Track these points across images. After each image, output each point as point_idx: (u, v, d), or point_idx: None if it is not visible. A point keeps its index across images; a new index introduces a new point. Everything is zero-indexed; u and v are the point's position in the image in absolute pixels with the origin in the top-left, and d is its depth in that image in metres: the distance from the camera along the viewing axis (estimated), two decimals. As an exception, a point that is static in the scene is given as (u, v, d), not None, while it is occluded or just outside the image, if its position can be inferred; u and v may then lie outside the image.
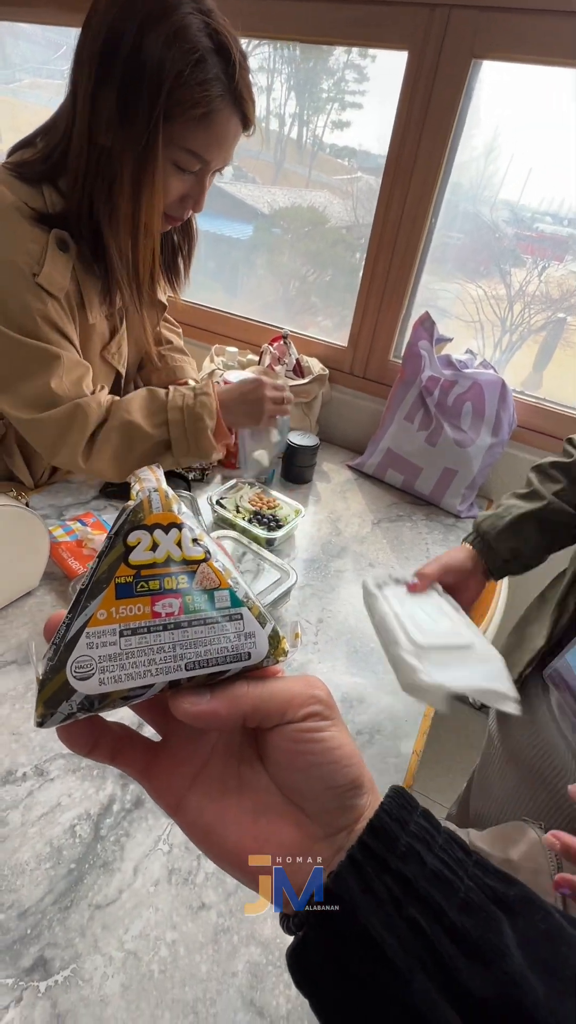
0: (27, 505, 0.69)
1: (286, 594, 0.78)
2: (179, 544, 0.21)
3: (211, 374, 1.21)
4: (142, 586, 0.21)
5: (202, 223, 0.85)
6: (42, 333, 0.67)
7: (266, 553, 0.83)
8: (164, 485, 0.22)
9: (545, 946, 0.18)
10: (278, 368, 1.20)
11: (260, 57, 1.28)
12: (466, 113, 1.03)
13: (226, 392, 0.78)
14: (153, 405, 0.75)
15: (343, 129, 1.35)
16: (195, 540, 0.22)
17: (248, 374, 1.06)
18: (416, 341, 1.09)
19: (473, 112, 1.03)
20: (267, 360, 1.21)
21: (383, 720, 0.66)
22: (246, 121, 0.65)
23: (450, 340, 1.14)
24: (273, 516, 0.94)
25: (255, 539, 0.87)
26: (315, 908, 0.20)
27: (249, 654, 0.22)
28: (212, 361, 1.27)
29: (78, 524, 0.85)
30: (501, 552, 0.70)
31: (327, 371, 1.25)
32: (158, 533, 0.21)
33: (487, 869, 0.20)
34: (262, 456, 0.95)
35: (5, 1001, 0.40)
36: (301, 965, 0.20)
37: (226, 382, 1.03)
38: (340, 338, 1.31)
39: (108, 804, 0.53)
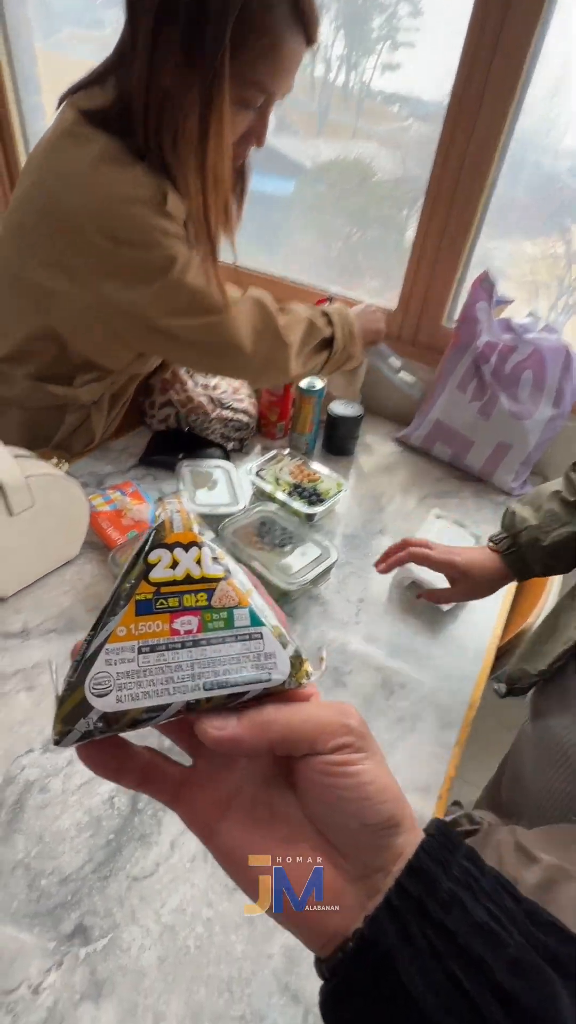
0: (67, 473, 0.69)
1: (326, 572, 0.75)
2: (199, 562, 0.21)
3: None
4: (161, 603, 0.20)
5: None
6: (183, 252, 0.67)
7: (307, 529, 0.80)
8: (186, 508, 0.22)
9: None
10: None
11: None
12: (542, 45, 0.91)
13: (355, 309, 0.93)
14: (312, 309, 0.86)
15: (394, 71, 1.23)
16: (215, 559, 0.21)
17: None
18: (473, 303, 1.01)
19: (544, 46, 0.91)
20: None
21: (425, 708, 0.64)
22: (310, 39, 0.61)
23: (511, 301, 1.05)
24: (314, 490, 0.90)
25: (295, 514, 0.84)
26: (349, 954, 0.18)
27: (269, 675, 0.21)
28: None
29: (117, 494, 0.84)
30: (534, 568, 0.65)
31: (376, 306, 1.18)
32: (178, 551, 0.21)
33: (539, 920, 0.18)
34: (403, 376, 1.08)
35: (47, 964, 0.41)
36: (333, 1013, 0.19)
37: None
38: (388, 300, 1.23)
39: (146, 777, 0.53)
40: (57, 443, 0.89)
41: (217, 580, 0.21)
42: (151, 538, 0.21)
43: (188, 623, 0.20)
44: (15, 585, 0.68)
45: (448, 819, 0.73)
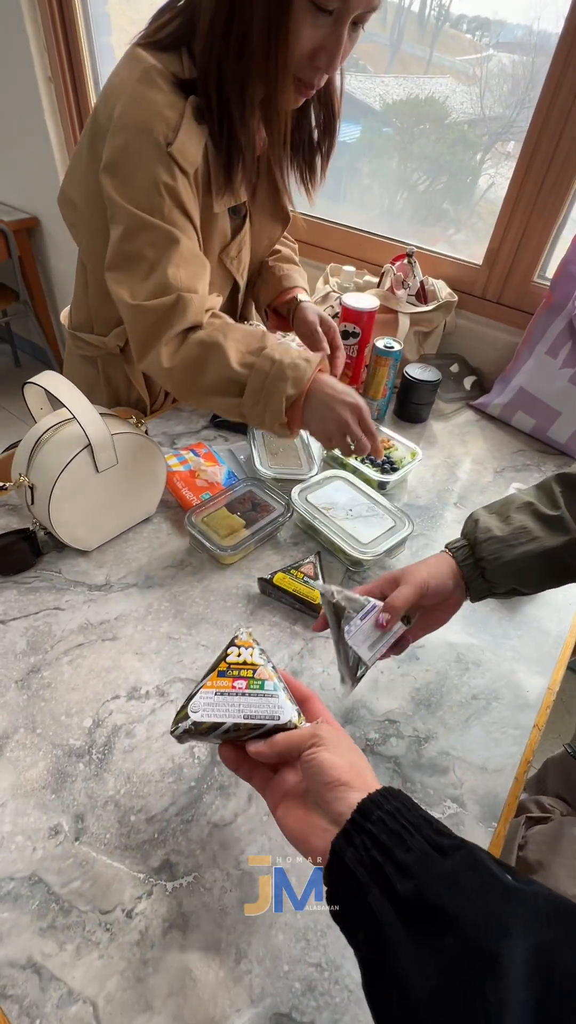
0: (146, 433, 0.69)
1: (401, 544, 0.73)
2: (252, 655, 0.43)
3: (325, 297, 1.12)
4: (230, 673, 0.42)
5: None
6: (166, 210, 0.62)
7: (379, 497, 0.78)
8: (249, 634, 0.45)
9: (465, 872, 0.28)
10: (399, 293, 1.07)
11: None
12: None
13: (324, 383, 0.63)
14: (252, 344, 0.64)
15: None
16: (260, 654, 0.43)
17: (371, 298, 0.96)
18: (573, 259, 0.92)
19: None
20: (387, 282, 1.09)
21: (501, 687, 0.62)
22: None
23: (617, 256, 0.94)
24: (388, 458, 0.87)
25: (367, 481, 0.82)
26: (327, 857, 0.31)
27: (278, 717, 0.39)
28: (327, 283, 1.16)
29: (191, 454, 0.84)
30: (497, 585, 0.53)
31: (455, 297, 1.11)
32: (243, 650, 0.43)
33: (440, 832, 0.30)
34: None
35: (138, 892, 0.44)
36: (326, 891, 0.31)
37: (343, 306, 0.94)
38: (468, 255, 1.14)
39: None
40: (130, 401, 0.90)
41: (258, 666, 0.42)
42: (232, 641, 0.44)
43: (240, 684, 0.41)
44: (99, 539, 0.70)
45: (522, 797, 0.72)
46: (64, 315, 0.89)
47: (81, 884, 0.44)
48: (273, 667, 0.42)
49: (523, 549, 0.51)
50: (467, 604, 0.71)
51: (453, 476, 0.92)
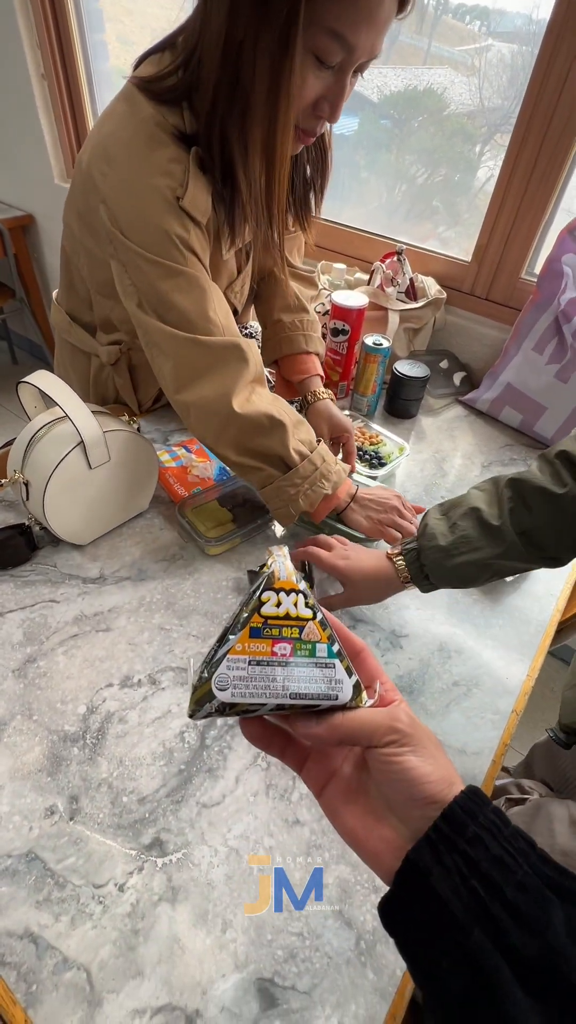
0: (138, 430, 0.71)
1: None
2: (295, 604, 0.28)
3: (315, 296, 1.13)
4: (267, 631, 0.28)
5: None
6: (186, 261, 0.62)
7: (372, 483, 0.81)
8: (289, 562, 0.29)
9: None
10: (389, 290, 1.09)
11: None
12: None
13: (361, 492, 0.73)
14: (306, 437, 0.70)
15: None
16: (307, 604, 0.29)
17: (361, 296, 0.97)
18: (560, 255, 0.93)
19: None
20: (377, 280, 1.11)
21: (482, 675, 0.64)
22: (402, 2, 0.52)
23: (602, 253, 0.96)
24: (376, 453, 0.89)
25: (356, 475, 0.84)
26: (398, 872, 0.25)
27: (337, 696, 0.28)
28: (318, 280, 1.18)
29: (183, 450, 0.86)
30: (436, 584, 0.60)
31: (444, 294, 1.12)
32: (282, 595, 0.28)
33: (546, 861, 0.24)
34: None
35: (130, 867, 0.46)
36: (388, 916, 0.25)
37: (333, 303, 0.96)
38: (461, 251, 1.16)
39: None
40: (117, 399, 0.92)
41: (307, 620, 0.28)
42: (264, 582, 0.28)
43: (284, 648, 0.28)
44: (93, 534, 0.72)
45: (497, 784, 0.75)
46: (55, 295, 0.90)
47: (75, 860, 0.47)
48: (323, 617, 0.29)
49: (462, 559, 0.56)
50: (451, 594, 0.73)
51: (441, 471, 0.94)
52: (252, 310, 0.96)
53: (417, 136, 1.30)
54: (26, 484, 0.66)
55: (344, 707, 0.28)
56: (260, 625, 0.28)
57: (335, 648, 0.29)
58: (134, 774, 0.52)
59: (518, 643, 0.68)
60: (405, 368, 1.00)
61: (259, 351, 0.70)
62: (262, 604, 0.29)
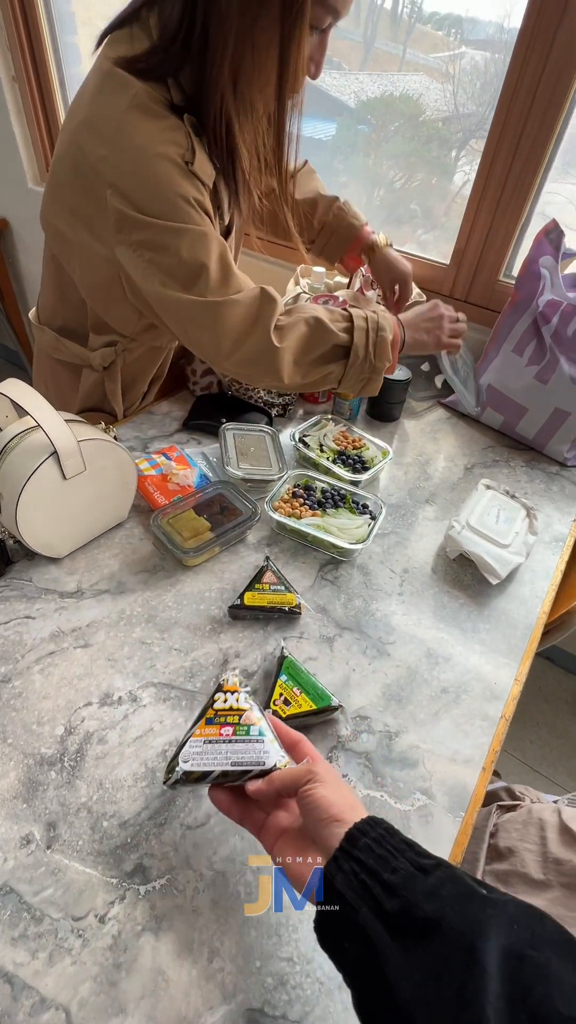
0: (115, 439, 0.69)
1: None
2: (237, 700, 0.45)
3: (296, 298, 1.12)
4: (217, 720, 0.44)
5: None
6: (204, 223, 0.64)
7: (352, 489, 0.80)
8: (235, 675, 0.48)
9: (445, 886, 0.31)
10: (369, 294, 1.09)
11: None
12: None
13: (405, 313, 0.82)
14: (334, 314, 0.74)
15: None
16: (246, 698, 0.46)
17: (339, 298, 0.97)
18: (537, 257, 0.94)
19: None
20: (357, 283, 1.10)
21: (470, 680, 0.64)
22: None
23: (579, 255, 0.97)
24: (359, 457, 0.88)
25: (339, 480, 0.83)
26: (316, 882, 0.35)
27: (264, 762, 0.42)
28: (297, 283, 1.17)
29: (163, 458, 0.84)
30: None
31: (424, 297, 1.12)
32: (228, 695, 0.46)
33: (421, 855, 0.33)
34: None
35: (111, 897, 0.44)
36: (317, 927, 0.34)
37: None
38: (438, 255, 1.16)
39: (196, 734, 0.55)
40: (97, 407, 0.90)
41: (244, 711, 0.45)
42: (216, 688, 0.47)
43: (227, 730, 0.43)
44: (70, 546, 0.70)
45: (489, 788, 0.74)
46: (33, 314, 0.88)
47: (53, 892, 0.44)
48: (260, 710, 0.45)
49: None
50: (438, 598, 0.72)
51: (425, 474, 0.94)
52: None
53: (394, 141, 1.30)
54: (-2, 496, 0.63)
55: (271, 772, 0.41)
56: (212, 716, 0.44)
57: (265, 729, 0.44)
58: (115, 797, 0.50)
59: (505, 647, 0.68)
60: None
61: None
62: (214, 702, 0.46)
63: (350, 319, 0.74)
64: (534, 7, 0.86)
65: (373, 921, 0.30)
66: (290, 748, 0.43)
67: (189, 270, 0.64)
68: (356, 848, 0.33)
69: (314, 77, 0.64)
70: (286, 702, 0.55)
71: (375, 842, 0.33)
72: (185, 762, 0.42)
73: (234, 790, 0.42)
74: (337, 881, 0.32)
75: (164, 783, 0.42)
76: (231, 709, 0.44)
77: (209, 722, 0.44)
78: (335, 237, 0.96)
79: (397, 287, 0.96)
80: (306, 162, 0.97)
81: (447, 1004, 0.26)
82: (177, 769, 0.42)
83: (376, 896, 0.30)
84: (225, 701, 0.45)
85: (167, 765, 0.43)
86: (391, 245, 0.97)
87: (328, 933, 0.33)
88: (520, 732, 1.41)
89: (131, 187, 0.60)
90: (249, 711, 0.44)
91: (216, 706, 0.45)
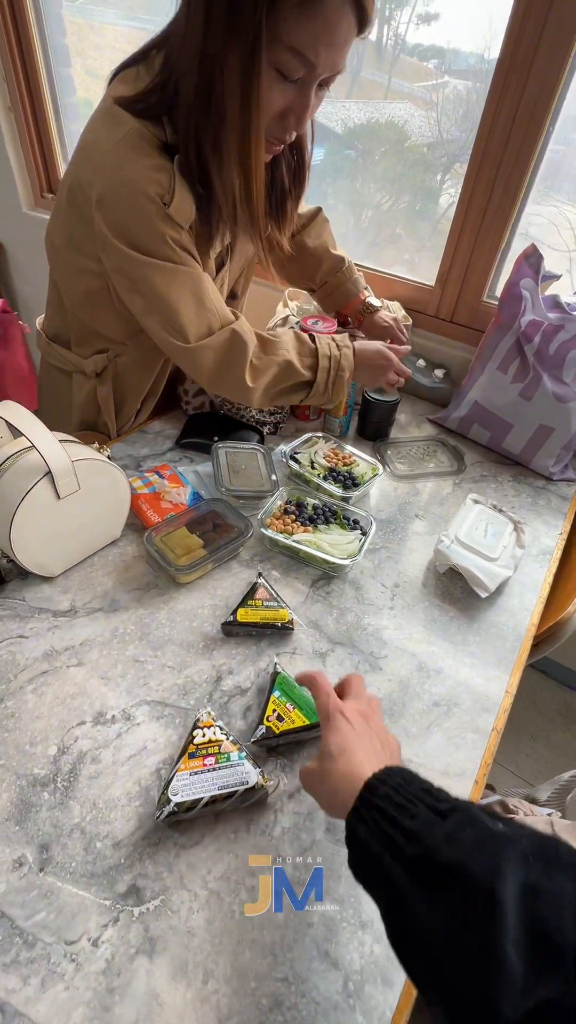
0: (109, 458, 0.70)
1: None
2: (215, 733, 0.52)
3: (285, 320, 1.15)
4: (199, 753, 0.51)
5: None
6: (178, 258, 0.67)
7: (343, 504, 0.82)
8: (211, 713, 0.55)
9: (464, 829, 0.32)
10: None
11: None
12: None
13: (361, 350, 0.85)
14: (303, 349, 0.81)
15: (430, 24, 1.16)
16: (220, 731, 0.53)
17: (328, 319, 0.99)
18: (518, 279, 0.97)
19: None
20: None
21: (461, 693, 0.64)
22: (362, 16, 0.55)
23: (558, 277, 1.00)
24: (349, 473, 0.90)
25: (330, 496, 0.84)
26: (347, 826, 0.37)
27: (248, 781, 0.49)
28: (286, 306, 1.20)
29: (155, 476, 0.85)
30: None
31: (410, 320, 1.15)
32: (206, 730, 0.53)
33: (439, 799, 0.35)
34: (436, 373, 1.12)
35: (105, 920, 0.44)
36: (351, 868, 0.36)
37: (302, 328, 0.97)
38: (425, 276, 1.19)
39: (190, 752, 0.55)
40: (92, 425, 0.91)
41: (221, 742, 0.52)
42: (194, 724, 0.54)
43: (210, 760, 0.50)
44: (63, 565, 0.70)
45: (482, 803, 0.74)
46: (39, 322, 0.91)
47: (46, 916, 0.44)
48: (233, 739, 0.53)
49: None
50: (428, 612, 0.73)
51: (414, 489, 0.95)
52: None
53: (381, 165, 1.34)
54: (-8, 516, 0.64)
55: (253, 788, 0.49)
56: (194, 750, 0.51)
57: (243, 754, 0.51)
58: (108, 817, 0.50)
59: (495, 659, 0.69)
60: (375, 392, 1.02)
61: (243, 322, 0.78)
62: (194, 738, 0.52)
63: (316, 355, 0.81)
64: (511, 39, 0.90)
65: (396, 868, 0.32)
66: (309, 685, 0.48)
67: (164, 305, 0.69)
68: (376, 796, 0.35)
69: (297, 130, 0.64)
70: (279, 718, 0.56)
71: (394, 790, 0.35)
72: (175, 795, 0.48)
73: None
74: (360, 831, 0.34)
75: (157, 818, 0.47)
76: (210, 742, 0.51)
77: (192, 756, 0.50)
78: (332, 297, 1.04)
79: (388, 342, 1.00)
80: (319, 210, 1.01)
81: (472, 947, 0.28)
82: (169, 804, 0.47)
83: (398, 843, 0.32)
84: (204, 735, 0.52)
85: (158, 800, 0.49)
86: (384, 307, 1.04)
87: (359, 874, 0.35)
88: (514, 745, 1.41)
89: (114, 216, 0.64)
90: (224, 741, 0.52)
91: (196, 741, 0.52)
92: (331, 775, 0.40)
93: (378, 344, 0.88)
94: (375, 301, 1.03)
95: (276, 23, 0.53)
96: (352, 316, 1.03)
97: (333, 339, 0.83)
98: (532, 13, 0.87)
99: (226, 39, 0.54)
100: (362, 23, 0.56)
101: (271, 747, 0.56)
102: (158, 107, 0.62)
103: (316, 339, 0.82)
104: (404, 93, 1.30)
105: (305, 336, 0.82)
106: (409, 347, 0.93)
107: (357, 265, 1.25)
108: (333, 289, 1.02)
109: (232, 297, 0.95)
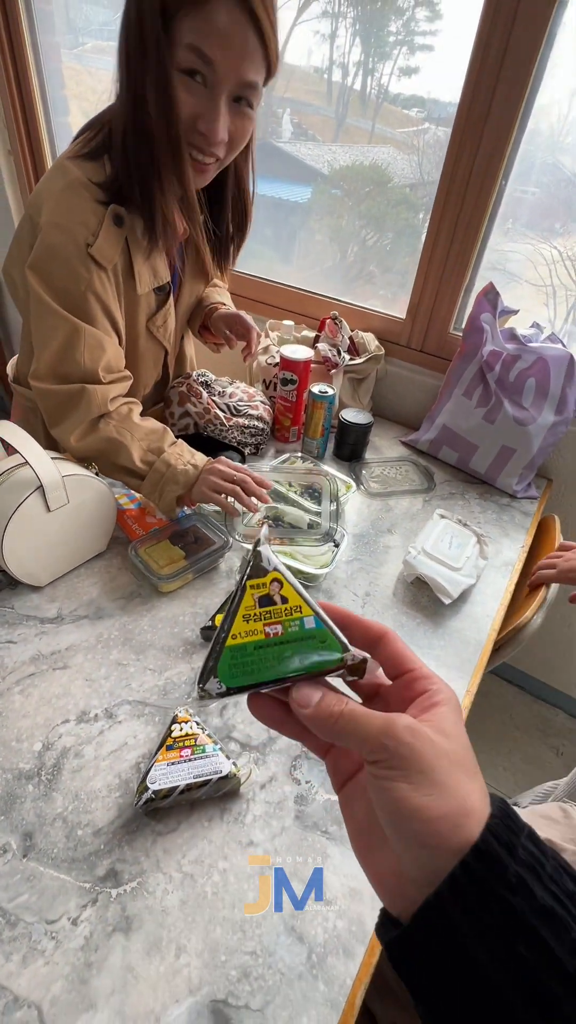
0: (97, 475, 0.75)
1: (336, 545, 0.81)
2: (191, 728, 0.51)
3: (266, 349, 1.23)
4: (176, 745, 0.52)
5: (259, 187, 0.84)
6: (80, 302, 0.71)
7: (315, 518, 0.87)
8: (185, 712, 0.56)
9: None
10: (332, 359, 1.19)
11: (324, 0, 1.23)
12: (548, 57, 0.95)
13: (205, 477, 0.77)
14: (153, 444, 0.78)
15: (411, 76, 1.27)
16: (197, 726, 0.55)
17: (306, 349, 1.06)
18: (478, 314, 1.06)
19: (556, 47, 0.95)
20: (322, 353, 1.20)
21: (425, 692, 0.68)
22: (254, 17, 0.58)
23: (515, 312, 1.09)
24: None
25: (306, 511, 0.90)
26: (416, 919, 0.20)
27: (221, 771, 0.51)
28: (267, 336, 1.28)
29: (141, 493, 0.90)
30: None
31: (383, 350, 1.24)
32: (183, 725, 0.56)
33: None
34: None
35: (84, 900, 0.47)
36: (401, 959, 0.21)
37: (282, 357, 1.04)
38: (398, 309, 1.28)
39: (168, 747, 0.58)
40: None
41: (197, 735, 0.49)
42: (173, 719, 0.57)
43: (186, 752, 0.50)
44: (51, 575, 0.74)
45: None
46: (10, 366, 0.97)
47: (28, 898, 0.47)
48: (209, 733, 0.56)
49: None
50: (396, 618, 0.78)
51: (386, 505, 1.01)
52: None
53: (366, 204, 1.44)
54: (-15, 528, 0.68)
55: (227, 778, 0.50)
56: (172, 743, 0.55)
57: (217, 747, 0.53)
58: (89, 807, 0.53)
59: (458, 662, 0.73)
60: (351, 416, 1.08)
61: (109, 391, 0.76)
62: (172, 732, 0.56)
63: (158, 456, 0.77)
64: (468, 91, 1.00)
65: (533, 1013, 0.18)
66: (372, 644, 0.28)
67: (37, 339, 0.74)
68: (501, 881, 0.19)
69: (207, 134, 0.65)
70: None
71: (530, 871, 0.19)
72: (152, 783, 0.51)
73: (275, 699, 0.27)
74: (465, 935, 0.19)
75: (136, 805, 0.51)
76: (186, 735, 0.55)
77: (169, 748, 0.54)
78: (195, 316, 1.02)
79: (231, 331, 0.98)
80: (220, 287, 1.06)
81: None
82: (147, 791, 0.50)
83: (548, 990, 0.18)
84: (181, 730, 0.56)
85: (137, 788, 0.51)
86: (224, 304, 1.01)
87: (428, 983, 0.20)
88: (493, 759, 1.44)
89: (39, 251, 0.71)
90: (200, 734, 0.55)
91: (174, 735, 0.55)
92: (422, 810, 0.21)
93: (229, 473, 0.77)
94: (217, 300, 1.01)
95: (174, 30, 0.60)
96: (208, 318, 1.00)
97: (193, 455, 0.79)
98: (486, 70, 0.97)
99: (140, 60, 0.61)
100: (257, 25, 0.59)
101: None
102: (98, 146, 0.69)
103: (179, 447, 0.79)
104: (387, 137, 1.40)
105: (169, 438, 0.79)
106: (269, 494, 0.81)
107: (335, 300, 1.34)
108: (200, 311, 1.01)
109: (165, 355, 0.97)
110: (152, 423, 0.81)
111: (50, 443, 0.94)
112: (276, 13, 0.62)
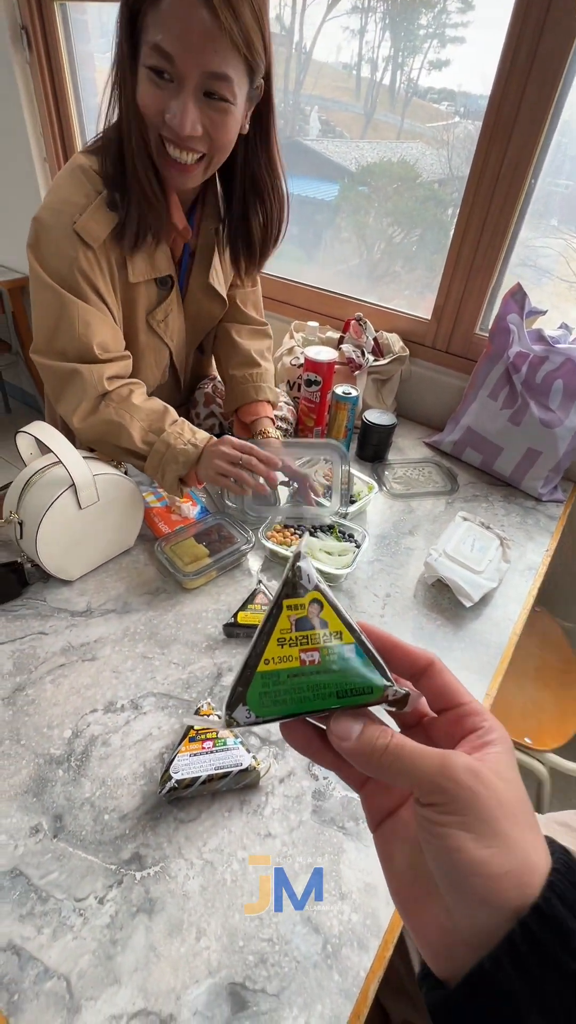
0: (126, 474, 0.78)
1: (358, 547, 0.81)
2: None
3: (290, 350, 1.24)
4: (199, 737, 0.51)
5: (288, 185, 0.82)
6: (68, 278, 0.73)
7: (337, 519, 0.88)
8: (208, 706, 0.57)
9: None
10: (356, 360, 1.19)
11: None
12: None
13: (213, 447, 0.76)
14: (154, 424, 0.77)
15: (441, 69, 1.23)
16: (219, 719, 0.39)
17: (331, 350, 1.07)
18: (505, 315, 1.04)
19: None
20: (347, 355, 1.21)
21: (444, 694, 0.69)
22: (209, 6, 0.57)
23: (543, 313, 1.08)
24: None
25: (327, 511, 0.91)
26: (464, 984, 0.18)
27: (241, 763, 0.52)
28: (292, 337, 1.29)
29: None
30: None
31: (407, 351, 1.23)
32: (205, 718, 0.46)
33: None
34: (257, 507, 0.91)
35: (110, 881, 0.49)
36: (450, 1022, 0.19)
37: (306, 358, 1.05)
38: (423, 309, 1.28)
39: (191, 739, 0.60)
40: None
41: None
42: (196, 712, 0.58)
43: (208, 744, 0.49)
44: (81, 570, 0.77)
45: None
46: None
47: (58, 876, 0.49)
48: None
49: None
50: (416, 620, 0.78)
51: (409, 507, 1.01)
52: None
53: (393, 200, 1.43)
54: (20, 524, 0.71)
55: (246, 771, 0.50)
56: (194, 735, 0.56)
57: (238, 740, 0.53)
58: (115, 793, 0.55)
59: (478, 665, 0.73)
60: (374, 417, 1.09)
61: (105, 370, 0.76)
62: (194, 724, 0.57)
63: (159, 436, 0.76)
64: (498, 86, 0.99)
65: None
66: (418, 674, 0.26)
67: (35, 312, 0.76)
68: (567, 947, 0.17)
69: (173, 127, 0.65)
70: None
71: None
72: (176, 772, 0.53)
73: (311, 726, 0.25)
74: (525, 1007, 0.17)
75: (159, 794, 0.53)
76: (208, 728, 0.55)
77: (192, 740, 0.55)
78: (232, 393, 1.01)
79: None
80: (267, 329, 1.05)
81: None
82: (170, 781, 0.52)
83: None
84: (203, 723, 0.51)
85: (160, 778, 0.53)
86: (279, 439, 0.95)
87: None
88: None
89: (34, 232, 0.74)
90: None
91: (196, 727, 0.56)
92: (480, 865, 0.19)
93: (235, 455, 0.75)
94: (273, 430, 0.96)
95: (142, 30, 0.62)
96: (251, 427, 0.97)
97: (195, 433, 0.78)
98: (517, 67, 0.95)
99: (119, 62, 0.65)
100: (214, 12, 0.57)
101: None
102: (104, 140, 0.73)
103: (179, 426, 0.78)
104: (416, 133, 1.38)
105: (170, 417, 0.79)
106: (278, 472, 0.79)
107: (360, 300, 1.34)
108: (237, 384, 0.99)
109: (200, 351, 0.99)
110: (155, 403, 0.80)
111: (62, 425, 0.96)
112: (252, 2, 0.60)
